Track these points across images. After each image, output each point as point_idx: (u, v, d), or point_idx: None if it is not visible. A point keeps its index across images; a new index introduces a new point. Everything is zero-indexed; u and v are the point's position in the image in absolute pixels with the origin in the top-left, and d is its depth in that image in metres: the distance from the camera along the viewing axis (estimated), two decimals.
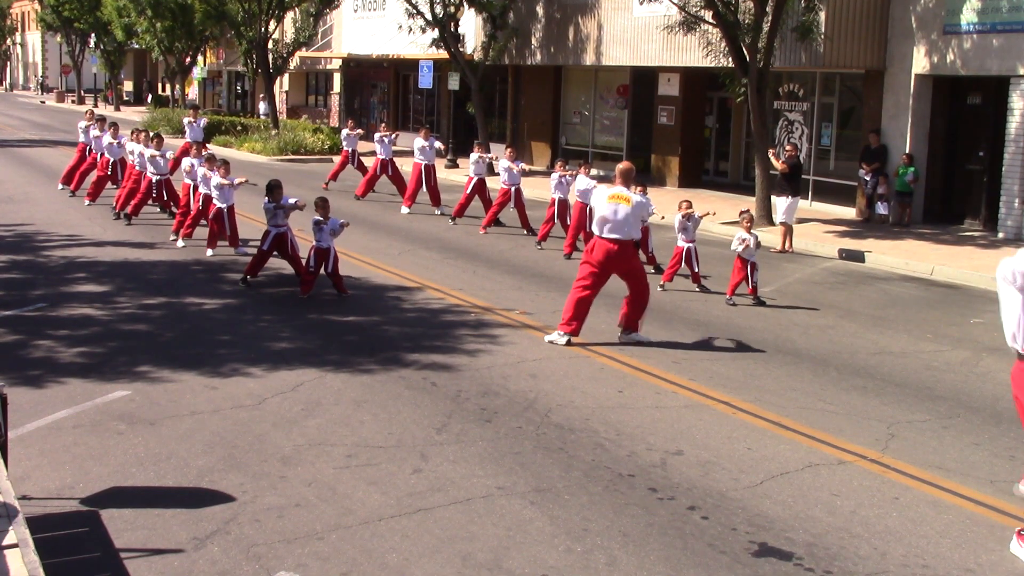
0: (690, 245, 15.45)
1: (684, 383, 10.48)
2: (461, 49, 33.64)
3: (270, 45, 40.75)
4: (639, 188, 16.00)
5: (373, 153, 25.89)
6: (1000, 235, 21.64)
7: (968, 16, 22.02)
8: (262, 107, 48.18)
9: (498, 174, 20.85)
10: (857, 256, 19.55)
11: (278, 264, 15.34)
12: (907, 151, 23.26)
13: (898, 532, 7.05)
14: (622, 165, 12.49)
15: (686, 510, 7.28)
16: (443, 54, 33.85)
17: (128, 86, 79.64)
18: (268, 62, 40.54)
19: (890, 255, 19.33)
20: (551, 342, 11.91)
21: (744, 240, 14.68)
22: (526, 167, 21.82)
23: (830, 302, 15.34)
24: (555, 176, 19.29)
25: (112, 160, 22.67)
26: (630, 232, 11.89)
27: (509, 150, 21.82)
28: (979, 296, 16.38)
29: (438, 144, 24.34)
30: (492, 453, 8.28)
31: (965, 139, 23.45)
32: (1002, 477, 8.18)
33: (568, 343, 11.86)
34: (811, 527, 7.07)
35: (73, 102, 73.75)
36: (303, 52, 44.28)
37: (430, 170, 23.51)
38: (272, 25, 40.17)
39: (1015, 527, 7.14)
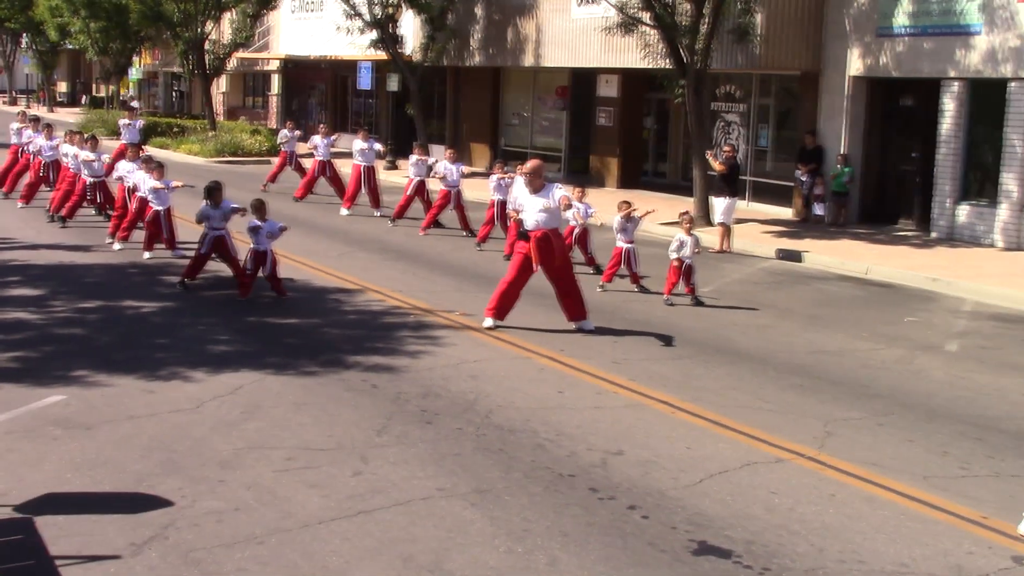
0: (629, 246, 15.53)
1: (624, 383, 10.54)
2: (400, 50, 33.55)
3: (207, 46, 40.34)
4: (578, 190, 16.19)
5: (312, 155, 25.77)
6: (933, 235, 22.02)
7: (901, 19, 22.38)
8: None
9: (440, 176, 20.88)
10: (794, 256, 19.79)
11: (216, 267, 15.20)
12: (843, 152, 23.59)
13: (835, 528, 7.14)
14: (530, 163, 13.06)
15: (626, 509, 7.32)
16: (382, 55, 33.72)
17: (62, 87, 78.43)
18: (205, 63, 40.14)
19: (826, 255, 19.59)
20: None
21: (683, 242, 14.79)
22: (466, 169, 21.85)
23: (768, 302, 15.51)
24: (494, 178, 19.35)
25: (46, 162, 22.33)
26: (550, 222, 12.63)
27: (449, 151, 21.87)
28: (913, 295, 16.66)
29: (377, 146, 24.28)
30: (433, 455, 8.27)
31: (899, 140, 23.83)
32: (936, 473, 8.31)
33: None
34: (750, 525, 7.13)
35: (5, 103, 72.52)
36: (241, 53, 43.87)
37: (369, 172, 23.45)
38: (209, 26, 39.75)
39: (948, 522, 7.28)
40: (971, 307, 15.89)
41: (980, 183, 21.77)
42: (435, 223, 20.97)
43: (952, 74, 21.54)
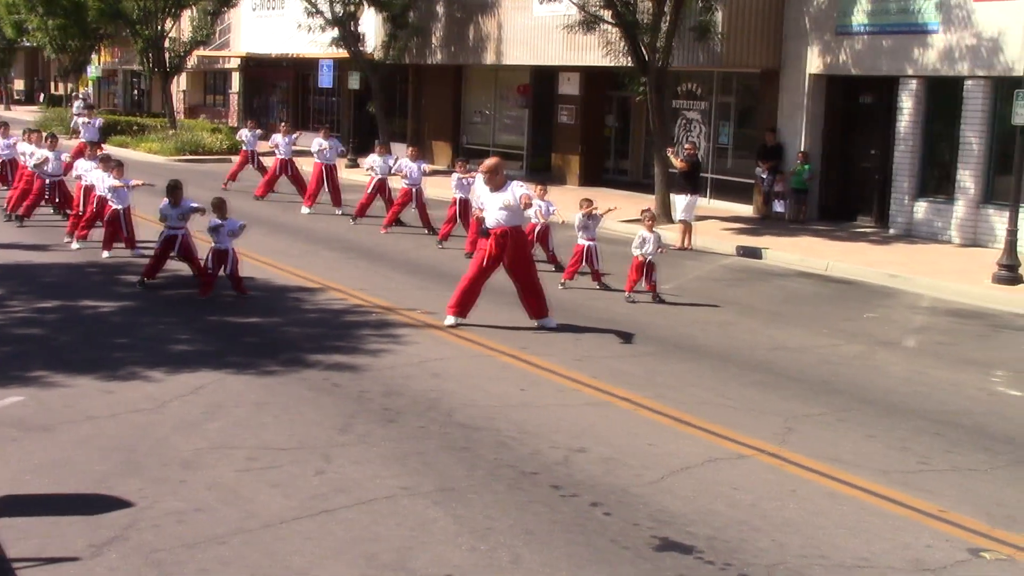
0: (591, 243, 15.57)
1: (586, 381, 10.57)
2: (361, 48, 33.47)
3: (167, 44, 40.02)
4: (539, 188, 16.23)
5: (273, 153, 25.65)
6: (891, 231, 22.24)
7: (859, 17, 22.58)
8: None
9: (397, 173, 20.91)
10: (755, 253, 19.91)
11: (176, 266, 15.09)
12: (802, 149, 23.76)
13: (796, 523, 7.19)
14: (490, 161, 13.09)
15: (589, 507, 7.34)
16: (344, 53, 33.64)
17: (19, 85, 77.54)
18: (165, 61, 39.82)
19: (787, 251, 19.73)
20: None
21: (644, 239, 14.85)
22: (427, 167, 21.87)
23: (729, 299, 15.60)
24: (456, 176, 19.38)
25: (2, 161, 22.08)
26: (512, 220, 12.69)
27: (411, 149, 21.87)
28: (873, 291, 16.81)
29: (339, 144, 24.21)
30: (396, 453, 8.26)
31: (858, 138, 24.04)
32: (895, 468, 8.40)
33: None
34: (712, 521, 7.17)
35: None
36: (201, 51, 43.58)
37: (331, 170, 23.40)
38: (169, 23, 39.44)
39: (908, 516, 7.35)
40: (929, 303, 16.06)
41: (937, 180, 22.01)
42: (397, 221, 20.95)
43: (910, 72, 21.76)
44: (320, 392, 9.87)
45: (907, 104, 21.91)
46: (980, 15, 20.31)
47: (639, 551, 6.67)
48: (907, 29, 21.71)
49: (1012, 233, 17.08)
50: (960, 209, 21.10)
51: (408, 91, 36.58)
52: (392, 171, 21.46)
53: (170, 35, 40.08)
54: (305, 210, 23.04)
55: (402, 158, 21.62)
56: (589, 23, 23.48)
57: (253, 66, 46.10)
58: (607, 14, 22.85)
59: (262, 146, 28.28)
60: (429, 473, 7.86)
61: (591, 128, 30.52)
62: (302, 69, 42.09)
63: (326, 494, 7.38)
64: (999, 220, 19.44)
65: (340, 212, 22.86)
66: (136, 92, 61.57)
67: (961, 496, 7.68)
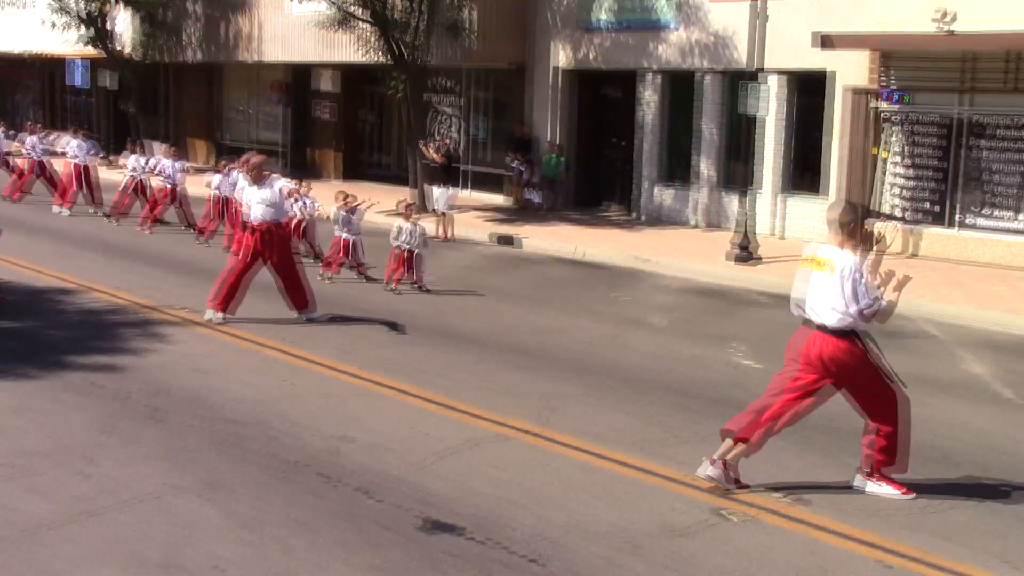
0: (352, 236, 15.66)
1: (351, 371, 10.69)
2: (116, 47, 32.42)
3: None
4: (301, 183, 16.19)
5: (26, 154, 24.58)
6: (638, 217, 23.31)
7: (602, 15, 23.50)
8: None
9: (158, 173, 20.50)
10: (511, 241, 20.47)
11: None
12: (553, 140, 24.55)
13: (557, 499, 7.51)
14: (251, 158, 13.11)
15: (358, 494, 7.46)
16: (97, 52, 32.51)
17: None
18: None
19: (542, 239, 20.38)
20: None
21: (402, 230, 15.06)
22: (187, 165, 21.54)
23: (488, 286, 16.02)
24: (217, 176, 19.25)
25: None
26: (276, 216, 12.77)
27: (169, 148, 21.60)
28: (622, 274, 17.62)
29: (94, 144, 23.51)
30: (162, 452, 8.17)
31: (605, 129, 25.01)
32: (646, 439, 8.89)
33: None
34: (476, 501, 7.41)
35: None
36: None
37: (87, 170, 22.71)
38: None
39: (658, 484, 7.84)
40: (674, 283, 16.96)
41: (679, 167, 23.17)
42: (157, 220, 20.55)
43: (649, 66, 22.84)
44: (82, 394, 9.61)
45: (648, 97, 22.99)
46: (714, 14, 21.52)
47: (408, 534, 6.84)
48: (646, 26, 22.76)
49: (745, 215, 18.27)
50: (700, 194, 22.33)
51: (165, 90, 35.81)
52: (151, 170, 21.08)
53: None
54: (62, 211, 22.22)
55: (160, 157, 21.26)
56: (343, 20, 23.49)
57: (2, 66, 43.67)
58: (360, 11, 22.92)
59: (14, 147, 27.00)
60: (196, 469, 7.82)
61: (349, 124, 30.72)
62: (53, 68, 40.22)
63: (91, 496, 7.24)
64: (734, 203, 20.64)
65: (98, 212, 22.14)
66: None
67: None
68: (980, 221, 18.52)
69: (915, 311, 14.14)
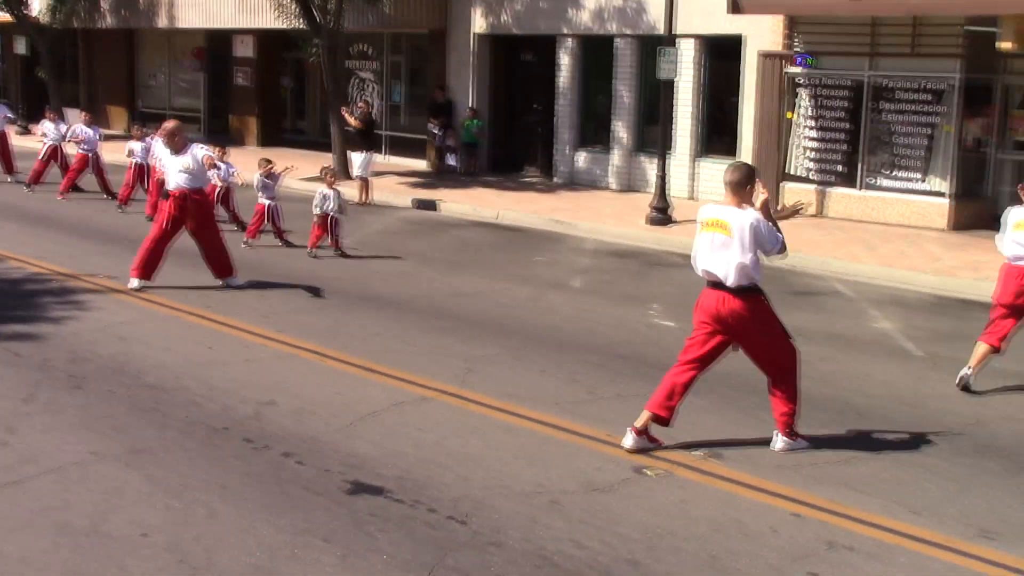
0: (272, 203, 15.63)
1: (273, 336, 10.73)
2: (26, 12, 31.65)
3: None
4: (220, 150, 16.11)
5: None
6: (556, 180, 23.49)
7: None
8: None
9: (75, 140, 20.24)
10: (431, 205, 20.53)
11: None
12: (471, 105, 24.56)
13: (479, 458, 7.65)
14: (168, 124, 13.04)
15: (282, 457, 7.53)
16: (7, 17, 31.71)
17: None
18: None
19: (461, 203, 20.46)
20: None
21: (325, 196, 15.06)
22: (102, 131, 21.25)
23: (409, 250, 16.09)
24: (137, 144, 19.09)
25: None
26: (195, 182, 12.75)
27: (85, 115, 21.26)
28: (541, 237, 17.79)
29: (7, 110, 23.07)
30: (84, 419, 8.16)
31: (523, 93, 25.10)
32: (567, 399, 9.07)
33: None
34: (400, 462, 7.52)
35: None
36: None
37: (2, 137, 22.25)
38: None
39: (579, 443, 8.02)
40: (592, 245, 17.18)
41: (596, 131, 23.38)
42: (74, 187, 20.29)
43: (566, 31, 22.95)
44: (1, 364, 9.51)
45: (565, 61, 23.12)
46: None
47: (333, 496, 6.92)
48: None
49: (662, 178, 18.54)
50: (616, 158, 22.56)
51: (79, 56, 35.12)
52: (66, 137, 20.79)
53: None
54: None
55: (76, 123, 20.97)
56: None
57: None
58: None
59: None
60: (119, 436, 7.83)
61: (268, 90, 30.51)
62: None
63: (12, 465, 7.21)
64: (651, 167, 20.95)
65: (13, 180, 21.78)
66: None
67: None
68: (886, 182, 19.01)
69: (826, 270, 14.51)
